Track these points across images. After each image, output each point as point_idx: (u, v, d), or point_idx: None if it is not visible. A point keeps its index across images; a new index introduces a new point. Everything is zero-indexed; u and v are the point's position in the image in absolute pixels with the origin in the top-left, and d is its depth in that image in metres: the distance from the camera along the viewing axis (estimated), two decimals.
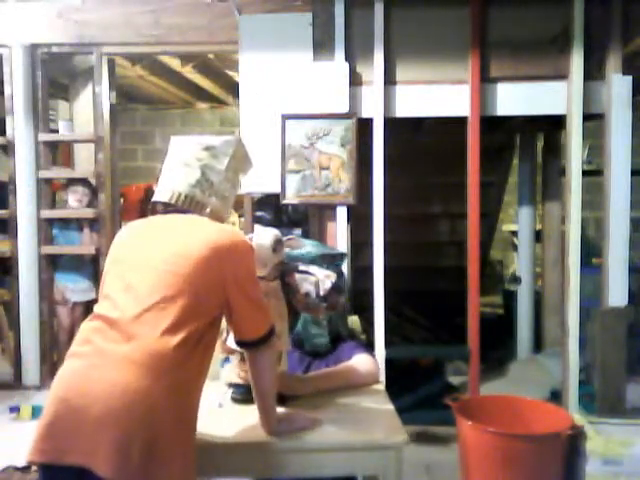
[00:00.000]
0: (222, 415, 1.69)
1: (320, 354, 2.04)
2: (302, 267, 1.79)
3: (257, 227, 1.75)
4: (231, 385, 1.79)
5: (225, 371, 1.81)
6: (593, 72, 3.08)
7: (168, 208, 1.56)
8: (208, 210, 1.52)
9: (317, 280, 1.75)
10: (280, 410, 1.59)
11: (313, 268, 1.79)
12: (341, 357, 2.00)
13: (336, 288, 1.78)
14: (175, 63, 5.05)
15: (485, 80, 3.12)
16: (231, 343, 1.61)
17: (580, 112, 3.05)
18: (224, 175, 1.56)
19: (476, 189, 3.14)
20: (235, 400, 1.77)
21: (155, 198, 1.57)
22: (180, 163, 1.55)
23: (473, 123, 3.11)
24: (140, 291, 1.36)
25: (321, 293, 1.74)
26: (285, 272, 1.76)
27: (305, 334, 2.03)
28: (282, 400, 1.67)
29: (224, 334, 1.69)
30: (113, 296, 1.39)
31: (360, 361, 1.97)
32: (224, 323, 1.53)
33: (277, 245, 1.69)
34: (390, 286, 3.19)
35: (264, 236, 1.68)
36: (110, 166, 3.64)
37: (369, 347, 2.22)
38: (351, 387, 1.89)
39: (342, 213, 3.14)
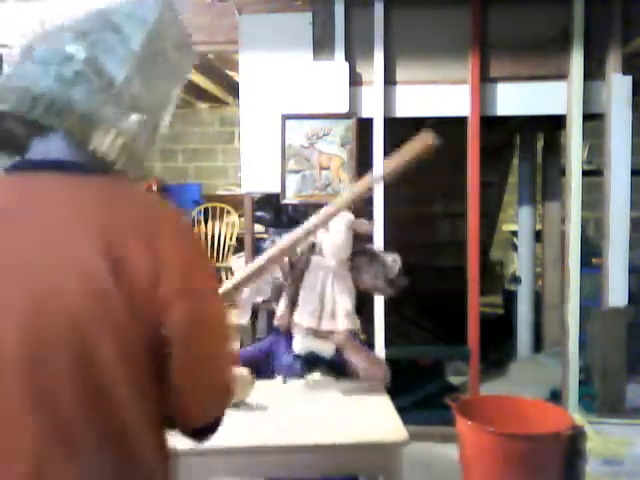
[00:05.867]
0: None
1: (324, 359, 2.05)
2: (371, 249, 1.88)
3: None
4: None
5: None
6: (593, 72, 3.08)
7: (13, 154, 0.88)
8: (116, 141, 0.81)
9: (386, 263, 1.84)
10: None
11: (380, 251, 1.89)
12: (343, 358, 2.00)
13: (400, 272, 1.82)
14: None
15: (485, 80, 3.12)
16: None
17: (580, 112, 3.05)
18: (136, 69, 0.84)
19: (476, 189, 3.14)
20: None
21: None
22: (36, 39, 0.84)
23: (473, 123, 3.11)
24: None
25: (390, 276, 1.82)
26: (355, 253, 1.85)
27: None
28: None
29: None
30: None
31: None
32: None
33: (352, 226, 1.84)
34: None
35: (341, 221, 1.80)
36: None
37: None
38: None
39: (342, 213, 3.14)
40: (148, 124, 0.86)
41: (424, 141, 1.76)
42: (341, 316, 1.85)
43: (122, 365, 0.75)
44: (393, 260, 1.89)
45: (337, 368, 1.96)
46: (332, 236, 1.86)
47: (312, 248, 1.89)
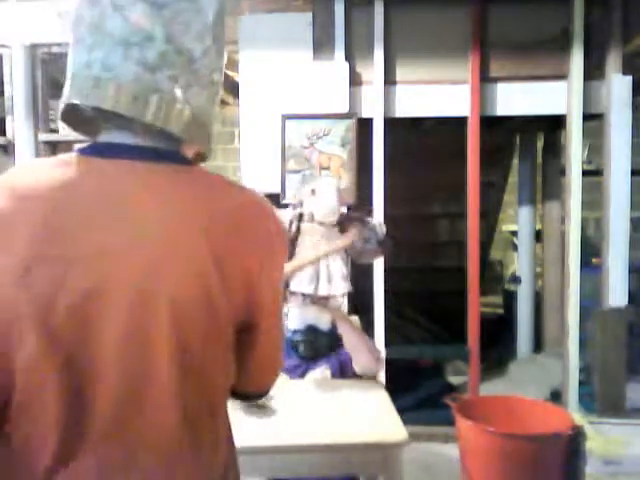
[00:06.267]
0: None
1: (318, 356, 2.04)
2: (359, 216, 1.93)
3: (318, 180, 1.87)
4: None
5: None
6: (593, 72, 3.08)
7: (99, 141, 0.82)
8: (189, 118, 0.78)
9: (375, 226, 1.88)
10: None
11: (366, 217, 1.95)
12: (343, 358, 2.00)
13: (388, 234, 1.93)
14: None
15: (485, 80, 3.12)
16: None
17: (580, 112, 3.05)
18: (210, 39, 0.80)
19: (476, 189, 3.14)
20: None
21: (66, 101, 0.78)
22: (106, 9, 0.74)
23: (473, 123, 3.11)
24: None
25: (380, 239, 1.86)
26: (345, 219, 1.89)
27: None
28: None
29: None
30: None
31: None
32: None
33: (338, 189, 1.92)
34: (390, 286, 3.19)
35: (328, 184, 1.83)
36: None
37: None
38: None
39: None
40: (217, 95, 0.84)
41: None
42: (338, 279, 1.87)
43: (214, 347, 0.80)
44: (380, 224, 1.97)
45: (335, 344, 1.99)
46: (321, 200, 1.90)
47: (300, 217, 1.91)
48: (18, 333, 0.70)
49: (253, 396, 1.00)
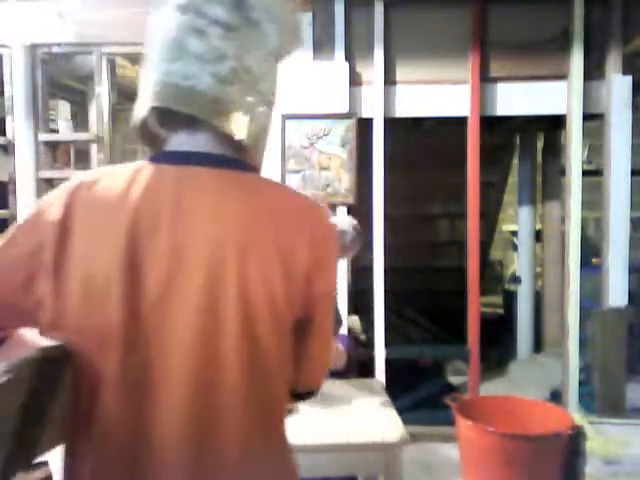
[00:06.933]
0: None
1: None
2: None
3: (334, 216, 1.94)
4: None
5: None
6: (593, 72, 3.08)
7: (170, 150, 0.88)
8: (256, 131, 0.87)
9: (348, 221, 1.92)
10: None
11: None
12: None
13: (357, 236, 1.97)
14: None
15: (485, 80, 3.12)
16: None
17: (580, 112, 3.05)
18: (272, 64, 0.91)
19: (476, 189, 3.14)
20: None
21: (147, 107, 0.85)
22: (187, 31, 0.83)
23: (473, 123, 3.11)
24: None
25: (346, 242, 1.88)
26: None
27: None
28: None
29: None
30: None
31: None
32: None
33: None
34: (390, 286, 3.19)
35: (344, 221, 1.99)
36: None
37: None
38: None
39: (342, 213, 3.14)
40: (272, 116, 0.94)
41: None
42: None
43: (276, 338, 0.84)
44: (349, 225, 1.95)
45: None
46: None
47: None
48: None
49: (304, 396, 1.02)
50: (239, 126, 0.84)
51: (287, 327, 0.86)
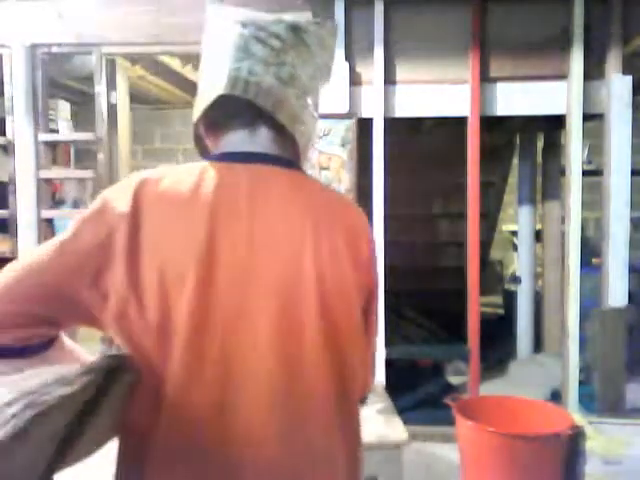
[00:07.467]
0: None
1: None
2: None
3: None
4: None
5: None
6: (593, 72, 3.08)
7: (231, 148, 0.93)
8: (306, 139, 0.97)
9: None
10: None
11: None
12: None
13: None
14: (175, 63, 5.05)
15: (485, 80, 3.12)
16: None
17: (580, 112, 3.05)
18: (317, 81, 1.00)
19: (476, 189, 3.14)
20: None
21: (212, 96, 0.91)
22: (250, 38, 0.92)
23: (473, 123, 3.11)
24: None
25: None
26: None
27: None
28: None
29: None
30: None
31: None
32: None
33: None
34: (390, 286, 3.19)
35: None
36: (110, 166, 3.64)
37: None
38: None
39: None
40: (317, 127, 1.05)
41: None
42: None
43: (354, 332, 0.92)
44: None
45: None
46: None
47: None
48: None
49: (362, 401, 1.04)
50: (297, 126, 0.92)
51: (359, 316, 0.92)
